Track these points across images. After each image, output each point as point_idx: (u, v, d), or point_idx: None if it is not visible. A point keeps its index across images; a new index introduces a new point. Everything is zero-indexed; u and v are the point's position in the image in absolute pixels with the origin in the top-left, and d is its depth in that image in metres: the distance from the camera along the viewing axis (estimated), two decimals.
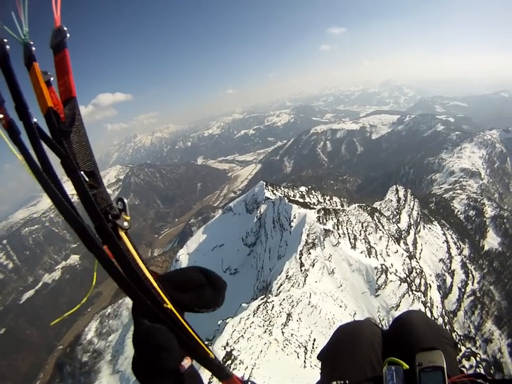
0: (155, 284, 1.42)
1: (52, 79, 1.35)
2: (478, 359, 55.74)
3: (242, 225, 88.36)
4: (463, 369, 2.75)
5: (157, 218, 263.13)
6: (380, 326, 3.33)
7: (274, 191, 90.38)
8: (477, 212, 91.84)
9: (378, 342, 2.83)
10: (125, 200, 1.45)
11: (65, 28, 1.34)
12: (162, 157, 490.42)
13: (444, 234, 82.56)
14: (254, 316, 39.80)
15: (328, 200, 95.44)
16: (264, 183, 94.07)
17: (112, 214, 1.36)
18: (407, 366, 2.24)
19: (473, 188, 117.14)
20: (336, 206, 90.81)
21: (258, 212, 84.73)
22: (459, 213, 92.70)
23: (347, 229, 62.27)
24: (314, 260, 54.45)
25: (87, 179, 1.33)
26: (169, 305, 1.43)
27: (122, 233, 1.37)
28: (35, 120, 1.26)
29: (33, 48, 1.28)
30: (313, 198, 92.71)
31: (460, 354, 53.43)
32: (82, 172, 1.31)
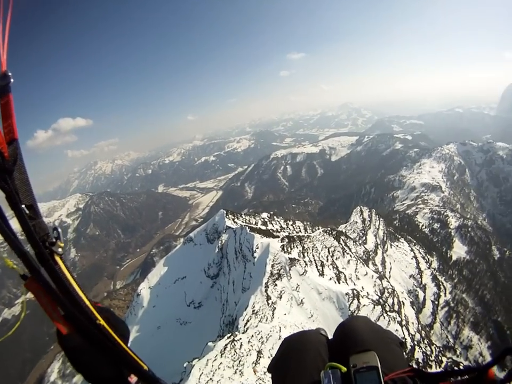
0: (88, 303, 1.64)
1: None
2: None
3: (204, 256, 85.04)
4: (413, 365, 2.71)
5: (118, 249, 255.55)
6: (326, 334, 3.24)
7: (235, 219, 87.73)
8: (441, 224, 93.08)
9: (325, 349, 2.86)
10: (59, 229, 1.63)
11: (9, 73, 1.49)
12: (122, 185, 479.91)
13: (412, 250, 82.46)
14: (221, 357, 37.06)
15: (291, 225, 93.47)
16: (225, 212, 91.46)
17: (49, 241, 1.56)
18: (345, 369, 2.34)
19: (435, 201, 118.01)
20: (300, 231, 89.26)
21: (220, 241, 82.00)
22: (424, 227, 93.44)
23: (313, 255, 60.11)
24: (281, 292, 51.80)
25: (27, 211, 1.52)
26: (102, 322, 1.66)
27: (57, 258, 1.58)
28: None
29: None
30: (276, 224, 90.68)
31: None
32: (23, 206, 1.49)
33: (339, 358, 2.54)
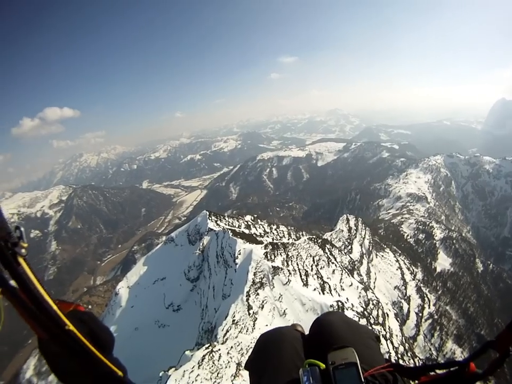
0: (55, 307, 1.55)
1: None
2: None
3: (185, 257, 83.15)
4: (389, 360, 2.84)
5: (100, 244, 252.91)
6: (302, 330, 3.41)
7: (218, 222, 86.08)
8: (426, 234, 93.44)
9: (300, 345, 2.96)
10: (22, 229, 1.55)
11: None
12: (107, 179, 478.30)
13: (397, 260, 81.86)
14: (199, 368, 35.68)
15: (275, 229, 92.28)
16: (208, 213, 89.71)
17: (11, 242, 1.46)
18: (324, 366, 2.35)
19: (421, 212, 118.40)
20: (284, 236, 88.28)
21: (201, 244, 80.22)
22: (409, 237, 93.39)
23: (297, 264, 58.51)
24: (263, 301, 50.24)
25: None
26: (71, 327, 1.57)
27: (21, 260, 1.48)
28: None
29: None
30: (259, 228, 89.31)
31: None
32: None
33: (316, 354, 2.60)
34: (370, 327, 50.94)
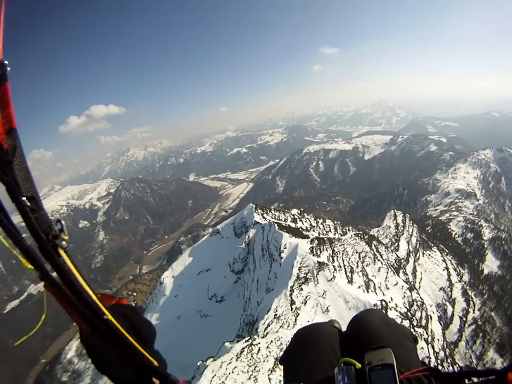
0: (94, 297, 1.60)
1: None
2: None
3: (230, 250, 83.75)
4: (425, 361, 2.82)
5: (147, 235, 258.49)
6: (339, 327, 3.34)
7: (265, 215, 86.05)
8: (475, 234, 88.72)
9: (337, 342, 2.89)
10: (63, 222, 1.58)
11: (6, 62, 1.44)
12: (154, 172, 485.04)
13: (444, 260, 78.74)
14: (237, 360, 35.69)
15: (321, 223, 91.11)
16: (254, 206, 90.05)
17: (52, 234, 1.50)
18: (359, 365, 2.31)
19: (469, 209, 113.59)
20: (330, 230, 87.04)
21: (247, 236, 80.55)
22: (457, 236, 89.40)
23: (343, 260, 57.65)
24: (306, 297, 49.62)
25: (28, 204, 1.46)
26: (109, 317, 1.60)
27: (61, 251, 1.52)
28: None
29: None
30: (306, 221, 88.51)
31: None
32: (24, 198, 1.44)
33: (352, 352, 2.60)
34: (411, 329, 49.35)
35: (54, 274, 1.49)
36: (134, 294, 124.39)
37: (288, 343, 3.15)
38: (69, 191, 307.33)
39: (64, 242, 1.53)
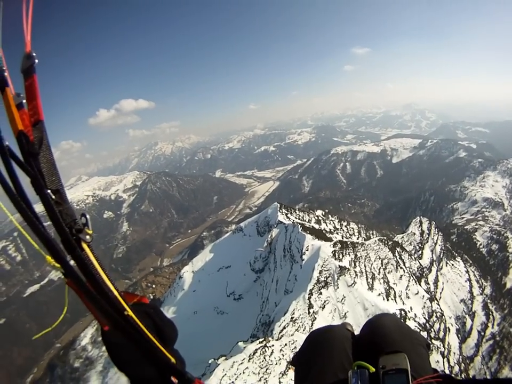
0: (116, 292, 1.61)
1: (24, 101, 1.51)
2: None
3: (252, 248, 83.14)
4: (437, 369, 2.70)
5: (170, 228, 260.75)
6: (352, 330, 3.30)
7: (289, 215, 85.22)
8: (500, 245, 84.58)
9: (350, 346, 2.88)
10: (87, 216, 1.62)
11: (34, 54, 1.50)
12: (181, 167, 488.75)
13: (467, 272, 75.97)
14: (249, 361, 35.45)
15: (345, 226, 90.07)
16: (278, 205, 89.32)
17: (76, 228, 1.54)
18: (373, 369, 2.32)
19: (496, 219, 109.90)
20: (353, 233, 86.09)
21: (269, 236, 79.73)
22: (481, 246, 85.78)
23: (365, 266, 56.35)
24: (325, 302, 48.65)
25: (53, 197, 1.50)
26: (130, 313, 1.60)
27: (85, 246, 1.55)
28: (7, 143, 1.40)
29: (5, 74, 1.46)
30: (330, 223, 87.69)
31: None
32: (49, 191, 1.48)
33: (365, 355, 2.57)
34: (430, 342, 47.86)
35: (75, 267, 1.49)
36: (153, 286, 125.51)
37: (301, 344, 3.08)
38: (95, 182, 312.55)
39: (88, 237, 1.56)
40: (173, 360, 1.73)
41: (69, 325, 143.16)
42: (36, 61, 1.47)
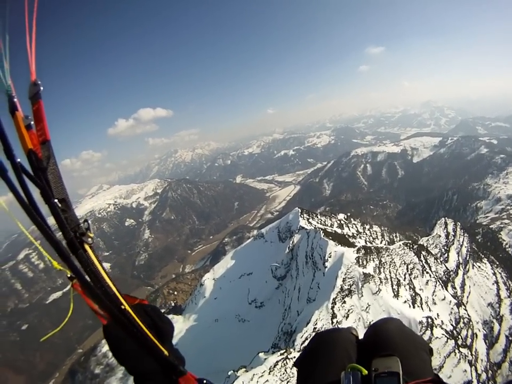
0: (114, 288, 1.79)
1: (32, 122, 1.70)
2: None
3: (273, 254, 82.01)
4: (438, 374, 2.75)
5: (192, 235, 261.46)
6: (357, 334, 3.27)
7: (310, 220, 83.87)
8: None
9: (353, 349, 2.91)
10: (89, 221, 1.87)
11: (39, 82, 1.69)
12: (201, 174, 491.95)
13: (494, 274, 72.65)
14: (269, 374, 34.71)
15: (368, 229, 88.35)
16: (299, 210, 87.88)
17: (79, 232, 1.75)
18: (366, 372, 2.36)
19: None
20: (377, 237, 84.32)
21: (291, 242, 78.42)
22: (507, 246, 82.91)
23: (390, 272, 54.40)
24: (349, 311, 47.12)
25: (60, 205, 1.72)
26: (127, 307, 1.78)
27: (87, 247, 1.76)
28: (19, 160, 1.58)
29: (15, 100, 1.64)
30: (352, 227, 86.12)
31: None
32: (56, 200, 1.69)
33: (366, 359, 2.60)
34: (456, 350, 45.86)
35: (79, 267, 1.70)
36: (175, 292, 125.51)
37: (306, 345, 3.12)
38: (116, 190, 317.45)
39: (90, 239, 1.78)
40: (166, 352, 1.84)
41: (91, 330, 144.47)
42: (41, 88, 1.65)
